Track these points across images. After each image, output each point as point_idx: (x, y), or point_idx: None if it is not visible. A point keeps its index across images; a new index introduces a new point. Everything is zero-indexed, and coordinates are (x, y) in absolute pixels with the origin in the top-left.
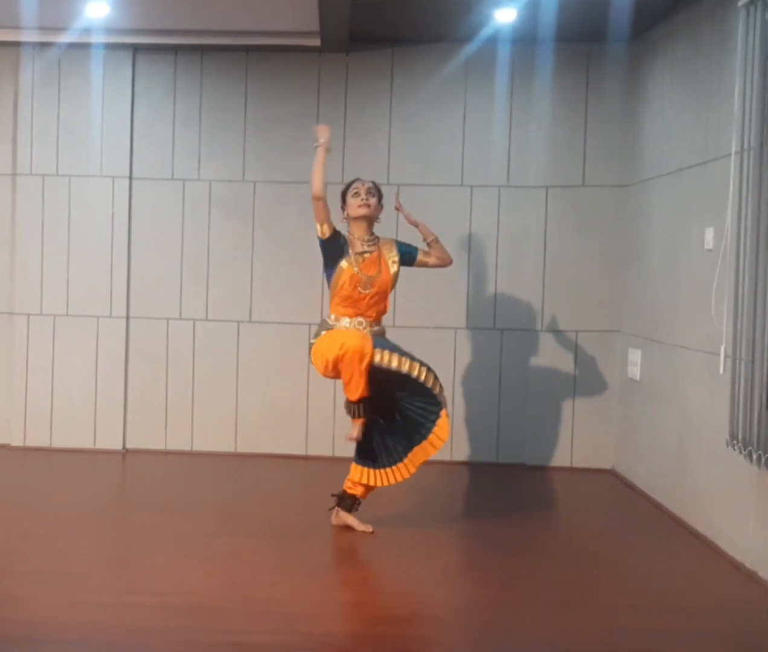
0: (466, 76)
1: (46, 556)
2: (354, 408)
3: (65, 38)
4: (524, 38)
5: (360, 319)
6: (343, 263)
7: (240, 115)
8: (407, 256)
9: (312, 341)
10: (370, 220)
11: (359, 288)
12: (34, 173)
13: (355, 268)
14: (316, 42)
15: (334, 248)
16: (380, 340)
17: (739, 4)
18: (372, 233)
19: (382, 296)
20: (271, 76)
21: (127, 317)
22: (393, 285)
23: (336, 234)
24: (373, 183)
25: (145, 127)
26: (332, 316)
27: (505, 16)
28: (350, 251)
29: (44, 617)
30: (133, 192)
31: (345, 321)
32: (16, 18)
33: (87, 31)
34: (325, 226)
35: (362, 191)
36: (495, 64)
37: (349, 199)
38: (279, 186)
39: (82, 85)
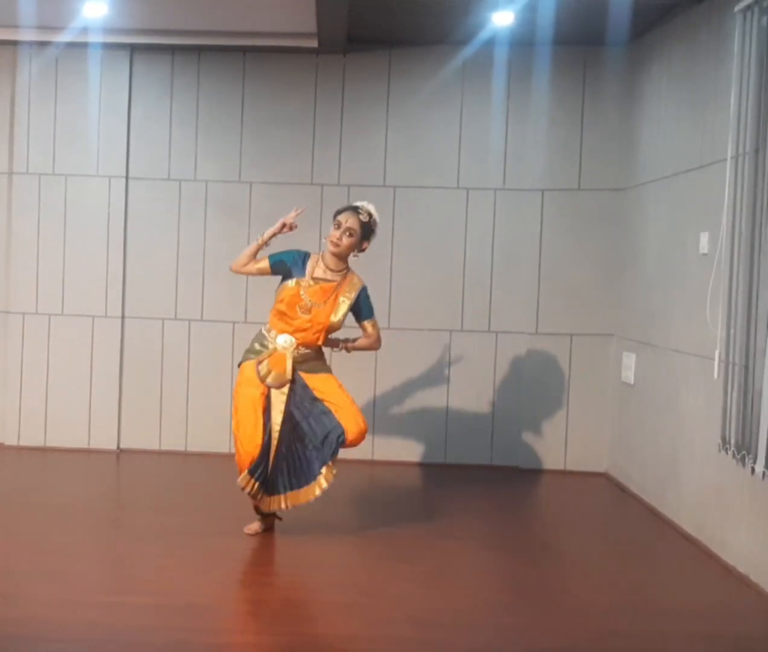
0: (463, 78)
1: (40, 555)
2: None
3: (62, 38)
4: (521, 41)
5: (288, 336)
6: (291, 282)
7: (237, 116)
8: (358, 310)
9: (248, 353)
10: (340, 255)
11: (297, 309)
12: (30, 172)
13: (302, 292)
14: (314, 43)
15: (281, 271)
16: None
17: (736, 9)
18: (342, 265)
19: (316, 329)
20: (268, 77)
21: (123, 317)
22: (332, 327)
23: (278, 263)
24: (363, 225)
25: (142, 127)
26: (266, 326)
27: (502, 19)
28: (306, 272)
29: (38, 617)
30: (130, 192)
31: (273, 334)
32: (13, 17)
33: (84, 30)
34: (263, 269)
35: (340, 229)
36: (492, 67)
37: (332, 226)
38: (275, 187)
39: (79, 84)
